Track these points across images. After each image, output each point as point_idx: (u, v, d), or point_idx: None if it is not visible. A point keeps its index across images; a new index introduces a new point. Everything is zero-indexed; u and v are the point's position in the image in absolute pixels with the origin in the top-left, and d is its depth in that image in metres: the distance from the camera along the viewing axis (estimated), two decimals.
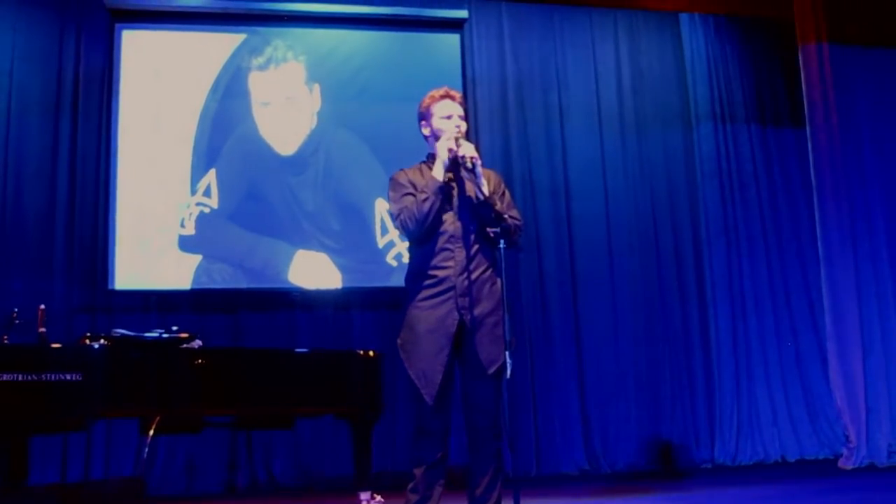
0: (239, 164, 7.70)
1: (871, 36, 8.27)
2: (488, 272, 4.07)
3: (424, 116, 4.23)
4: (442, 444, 3.99)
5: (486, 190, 3.99)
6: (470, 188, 4.07)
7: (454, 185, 4.09)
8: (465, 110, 4.27)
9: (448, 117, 4.16)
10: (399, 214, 4.06)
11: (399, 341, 4.10)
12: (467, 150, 4.00)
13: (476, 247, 4.04)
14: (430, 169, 4.14)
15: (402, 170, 4.24)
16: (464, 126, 4.16)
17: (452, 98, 4.22)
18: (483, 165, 4.06)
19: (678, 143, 8.59)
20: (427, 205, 3.96)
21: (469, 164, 3.99)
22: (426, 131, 4.24)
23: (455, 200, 4.08)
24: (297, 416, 6.18)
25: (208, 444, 7.20)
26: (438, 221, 4.02)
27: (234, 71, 7.84)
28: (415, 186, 4.09)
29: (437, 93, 4.22)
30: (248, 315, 7.61)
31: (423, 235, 4.04)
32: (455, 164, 4.04)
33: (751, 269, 8.41)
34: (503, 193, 4.18)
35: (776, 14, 8.57)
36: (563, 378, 7.96)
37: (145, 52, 7.74)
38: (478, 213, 4.04)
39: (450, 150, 4.00)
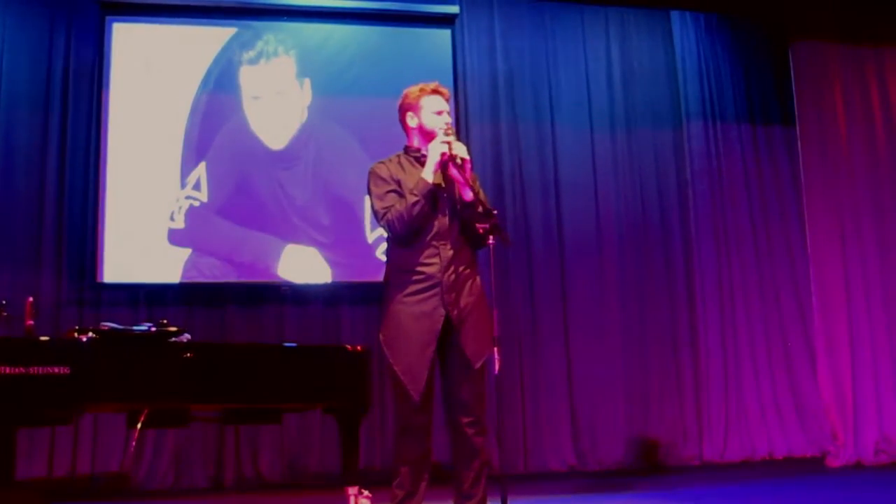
0: (229, 157, 7.68)
1: (861, 34, 8.29)
2: (470, 269, 4.09)
3: (412, 108, 4.22)
4: (426, 439, 4.00)
5: (473, 192, 3.99)
6: (457, 188, 4.06)
7: (441, 186, 4.08)
8: (455, 102, 4.28)
9: (439, 113, 4.16)
10: (385, 214, 4.05)
11: (382, 337, 4.10)
12: (460, 151, 4.00)
13: (459, 244, 4.05)
14: (411, 164, 4.14)
15: (380, 162, 4.22)
16: (451, 122, 4.16)
17: (442, 94, 4.22)
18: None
19: (668, 141, 8.60)
20: (417, 208, 3.96)
21: (458, 161, 3.99)
22: (412, 123, 4.23)
23: (441, 198, 4.07)
24: (284, 410, 6.17)
25: (195, 439, 7.20)
26: (426, 222, 4.02)
27: (225, 65, 7.83)
28: (399, 183, 4.08)
29: (427, 86, 4.21)
30: (236, 309, 7.60)
31: (409, 237, 4.04)
32: (444, 163, 4.03)
33: (740, 266, 8.42)
34: (477, 193, 4.18)
35: (767, 12, 8.56)
36: (551, 374, 7.96)
37: (136, 45, 7.71)
38: (462, 212, 4.04)
39: (443, 154, 3.99)
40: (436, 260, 4.00)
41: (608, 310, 8.18)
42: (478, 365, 3.99)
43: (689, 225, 8.45)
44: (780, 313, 8.42)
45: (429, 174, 3.99)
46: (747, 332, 8.33)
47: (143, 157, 7.55)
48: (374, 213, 4.15)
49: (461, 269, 4.02)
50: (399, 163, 4.20)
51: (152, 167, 7.56)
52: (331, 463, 6.97)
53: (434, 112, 4.17)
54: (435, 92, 4.21)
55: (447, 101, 4.23)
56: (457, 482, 4.03)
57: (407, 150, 4.26)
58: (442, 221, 4.04)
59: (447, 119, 4.16)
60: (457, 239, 4.05)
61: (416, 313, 3.97)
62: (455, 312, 3.96)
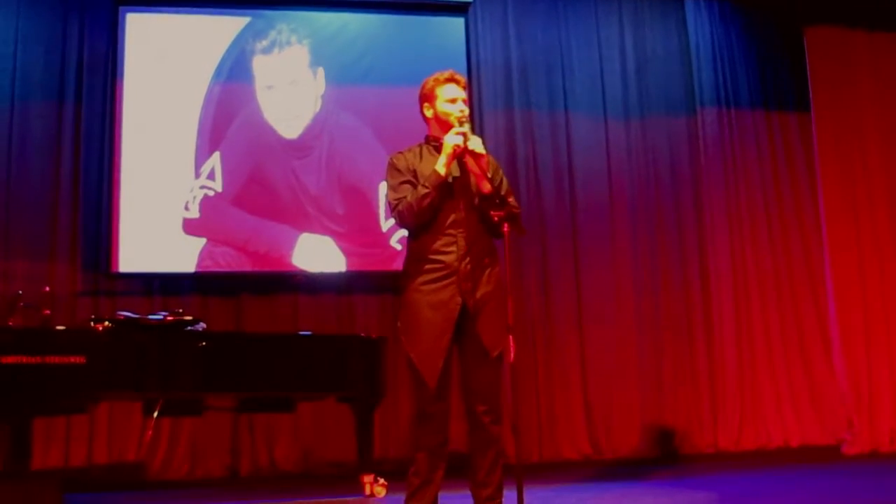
0: (243, 147, 7.69)
1: (875, 19, 8.26)
2: (488, 257, 4.07)
3: (428, 98, 4.20)
4: (443, 428, 3.99)
5: (490, 184, 3.97)
6: (473, 179, 4.05)
7: (458, 176, 4.06)
8: (469, 90, 4.24)
9: (453, 101, 4.14)
10: (397, 205, 4.04)
11: (399, 324, 4.09)
12: (475, 145, 3.97)
13: (477, 232, 4.03)
14: (430, 153, 4.12)
15: (400, 152, 4.21)
16: (466, 111, 4.13)
17: (457, 82, 4.19)
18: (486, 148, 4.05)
19: (682, 128, 8.57)
20: (427, 200, 3.95)
21: (475, 153, 3.97)
22: (429, 113, 4.21)
23: (458, 187, 4.06)
24: (299, 399, 6.19)
25: (210, 429, 7.22)
26: (437, 213, 4.01)
27: (238, 54, 7.83)
28: (414, 174, 4.07)
29: (441, 76, 4.19)
30: (251, 298, 7.61)
31: (419, 229, 4.04)
32: (458, 155, 4.01)
33: (754, 253, 8.39)
34: (501, 181, 4.16)
35: None
36: (565, 363, 7.96)
37: (149, 35, 7.71)
38: (481, 203, 4.03)
39: (456, 147, 3.97)
40: (453, 248, 3.98)
41: (622, 298, 8.16)
42: (494, 354, 3.98)
43: (703, 212, 8.41)
44: (795, 301, 8.39)
45: (441, 167, 3.97)
46: (762, 320, 8.30)
47: (158, 147, 7.56)
48: (390, 206, 4.14)
49: (479, 257, 4.01)
50: (419, 152, 4.19)
51: (167, 157, 7.57)
52: (346, 452, 6.96)
53: (447, 100, 4.15)
54: (449, 80, 4.19)
55: (464, 88, 4.20)
56: (473, 470, 4.03)
57: (427, 139, 4.25)
58: (459, 210, 4.02)
59: (461, 107, 4.13)
60: (475, 227, 4.03)
61: (432, 302, 3.96)
62: (472, 301, 3.95)
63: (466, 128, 4.01)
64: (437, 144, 4.12)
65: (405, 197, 4.02)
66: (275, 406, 6.04)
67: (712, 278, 8.30)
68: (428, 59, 7.75)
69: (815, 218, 8.34)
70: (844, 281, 7.95)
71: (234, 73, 7.80)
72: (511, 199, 4.11)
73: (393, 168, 4.15)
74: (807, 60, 8.26)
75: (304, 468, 7.37)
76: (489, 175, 4.01)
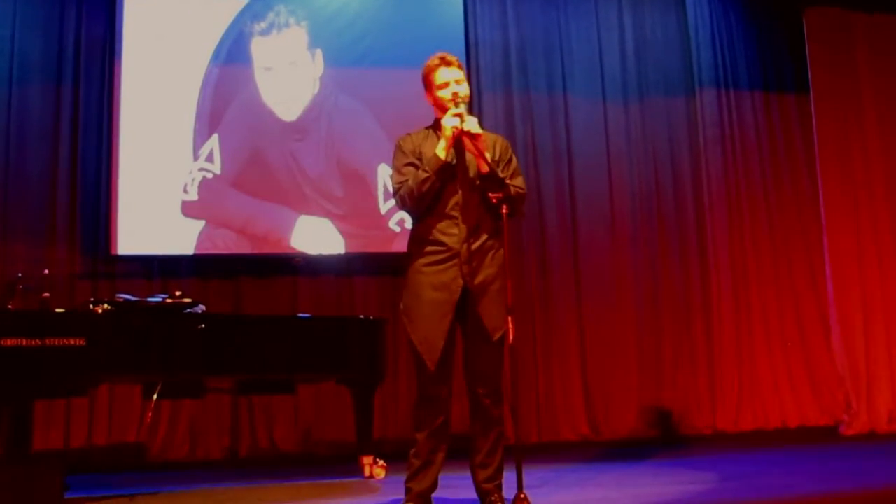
0: (241, 129, 7.68)
1: (875, 1, 8.24)
2: (491, 240, 4.07)
3: (426, 86, 4.21)
4: (444, 409, 4.00)
5: (487, 164, 3.97)
6: (473, 160, 4.05)
7: (456, 160, 4.06)
8: (468, 72, 4.22)
9: (445, 85, 4.13)
10: (399, 189, 4.06)
11: (401, 306, 4.10)
12: (471, 125, 3.97)
13: (480, 215, 4.03)
14: (436, 136, 4.12)
15: (408, 134, 4.22)
16: (463, 90, 4.11)
17: (448, 64, 4.17)
18: (487, 130, 4.05)
19: (681, 110, 8.56)
20: (427, 185, 3.96)
21: (471, 134, 3.97)
22: (430, 100, 4.22)
23: (459, 170, 4.06)
24: (299, 381, 6.20)
25: (210, 410, 7.24)
26: (437, 198, 4.01)
27: (237, 36, 7.80)
28: (420, 156, 4.07)
29: (432, 62, 4.18)
30: (250, 280, 7.62)
31: (420, 213, 4.04)
32: (457, 137, 4.01)
33: (752, 235, 8.40)
34: (510, 160, 4.17)
35: None
36: (564, 345, 7.98)
37: (147, 18, 7.69)
38: (482, 183, 4.03)
39: (454, 129, 3.97)
40: (455, 231, 3.99)
41: (621, 280, 8.17)
42: (496, 337, 3.99)
43: (701, 194, 8.42)
44: (794, 282, 8.41)
45: (441, 150, 3.98)
46: (760, 301, 8.31)
47: (156, 129, 7.54)
48: (393, 190, 4.15)
49: (481, 240, 4.01)
50: (426, 134, 4.19)
51: (165, 139, 7.55)
52: (346, 433, 6.97)
53: (440, 85, 4.14)
54: (440, 65, 4.17)
55: (459, 67, 4.19)
56: (473, 452, 4.04)
57: (435, 122, 4.25)
58: (461, 193, 4.03)
59: (454, 88, 4.12)
60: (477, 209, 4.03)
61: (434, 283, 3.97)
62: (473, 283, 3.95)
63: (462, 108, 4.01)
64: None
65: (407, 180, 4.02)
66: (274, 388, 6.06)
67: (711, 259, 8.31)
68: (426, 40, 7.74)
69: (813, 199, 8.34)
70: (842, 262, 7.95)
71: (233, 55, 7.78)
72: (517, 180, 4.12)
73: (399, 150, 4.17)
74: (806, 41, 8.24)
75: (304, 449, 7.39)
76: (495, 156, 4.05)
